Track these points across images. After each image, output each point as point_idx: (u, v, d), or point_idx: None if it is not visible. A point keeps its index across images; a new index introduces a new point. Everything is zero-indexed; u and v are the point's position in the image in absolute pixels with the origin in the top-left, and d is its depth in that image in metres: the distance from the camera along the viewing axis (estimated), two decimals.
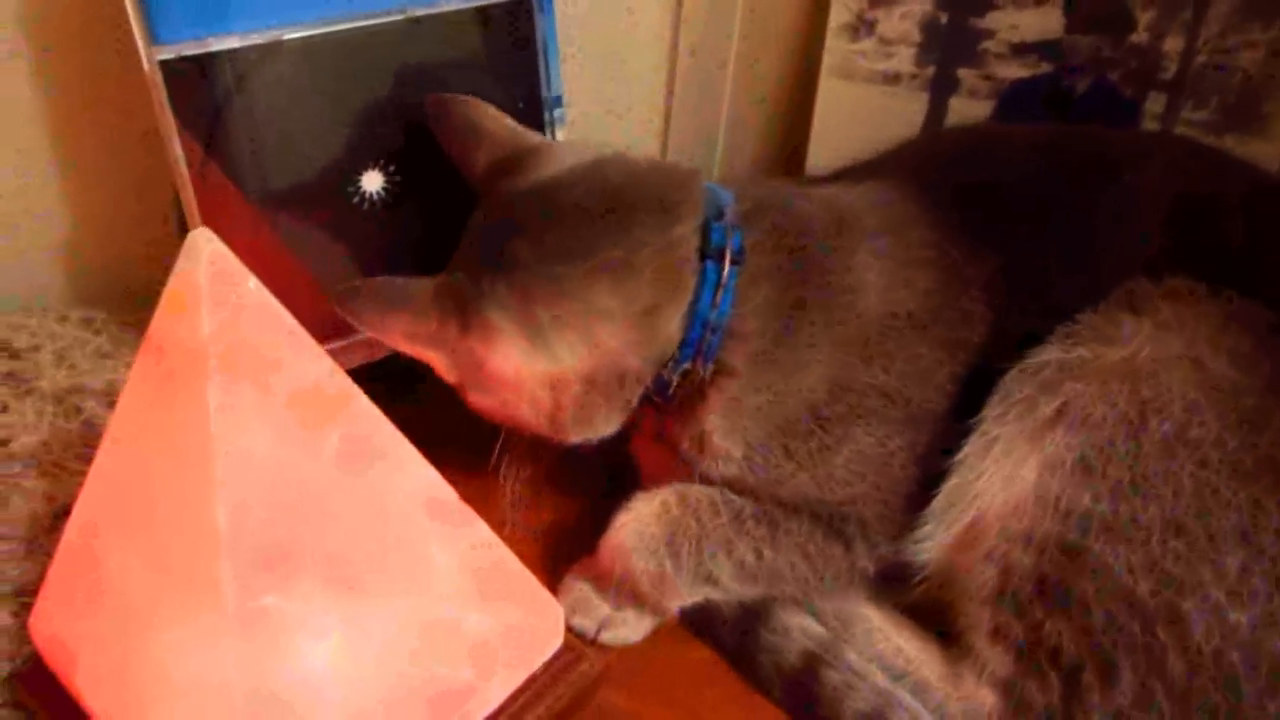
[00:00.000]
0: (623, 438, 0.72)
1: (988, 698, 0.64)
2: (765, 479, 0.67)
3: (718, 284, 0.64)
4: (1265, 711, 0.57)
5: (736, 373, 0.66)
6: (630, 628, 0.70)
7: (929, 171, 0.74)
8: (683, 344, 0.65)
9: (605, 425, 0.68)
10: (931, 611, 0.68)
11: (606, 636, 0.70)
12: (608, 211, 0.65)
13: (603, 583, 0.70)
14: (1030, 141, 0.77)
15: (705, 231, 0.65)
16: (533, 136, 0.73)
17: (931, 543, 0.65)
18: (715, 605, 0.70)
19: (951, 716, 0.64)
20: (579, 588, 0.71)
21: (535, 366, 0.65)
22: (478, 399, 0.68)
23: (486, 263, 0.65)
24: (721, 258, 0.64)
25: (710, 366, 0.66)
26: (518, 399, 0.66)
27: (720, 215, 0.66)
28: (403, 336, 0.66)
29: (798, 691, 0.66)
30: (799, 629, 0.67)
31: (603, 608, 0.70)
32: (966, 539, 0.64)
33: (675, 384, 0.66)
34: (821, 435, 0.66)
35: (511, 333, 0.64)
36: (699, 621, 0.71)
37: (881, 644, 0.67)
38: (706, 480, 0.69)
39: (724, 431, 0.67)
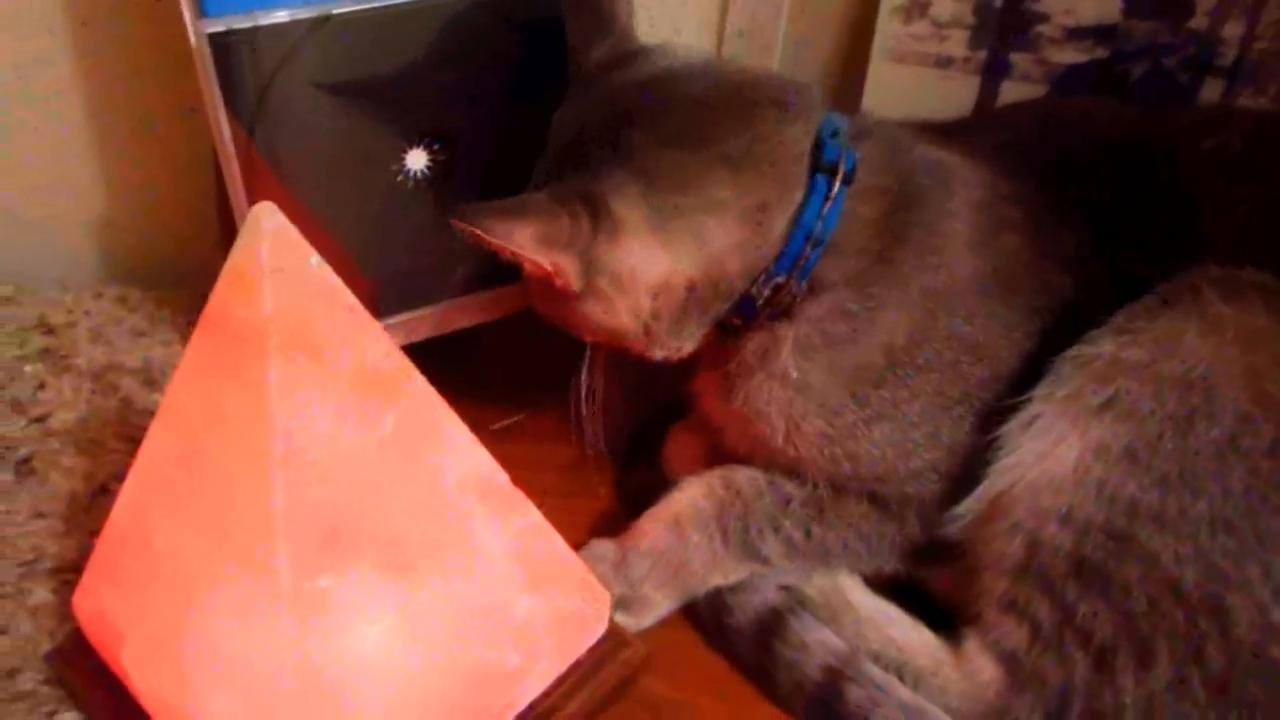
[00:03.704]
0: (687, 372, 0.73)
1: (987, 667, 0.63)
2: (838, 428, 0.66)
3: (826, 196, 0.63)
4: None
5: (828, 288, 0.65)
6: (645, 611, 0.69)
7: (1013, 143, 0.73)
8: (780, 256, 0.64)
9: (690, 340, 0.68)
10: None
11: (617, 617, 0.68)
12: (726, 103, 0.64)
13: (638, 554, 0.69)
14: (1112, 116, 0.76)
15: (818, 144, 0.64)
16: (638, 39, 0.71)
17: (965, 520, 0.65)
18: (729, 620, 0.69)
19: (956, 699, 0.64)
20: (596, 567, 0.69)
21: (651, 267, 0.63)
22: (586, 307, 0.66)
23: (598, 156, 0.63)
24: (833, 172, 0.63)
25: (804, 285, 0.64)
26: (623, 305, 0.65)
27: (835, 134, 0.65)
28: (534, 241, 0.61)
29: (821, 712, 0.64)
30: (817, 643, 0.66)
31: (616, 588, 0.69)
32: (992, 511, 0.63)
33: (764, 299, 0.64)
34: (895, 385, 0.65)
35: (635, 223, 0.62)
36: (714, 635, 0.70)
37: (871, 634, 0.67)
38: (754, 407, 0.67)
39: (800, 351, 0.65)
